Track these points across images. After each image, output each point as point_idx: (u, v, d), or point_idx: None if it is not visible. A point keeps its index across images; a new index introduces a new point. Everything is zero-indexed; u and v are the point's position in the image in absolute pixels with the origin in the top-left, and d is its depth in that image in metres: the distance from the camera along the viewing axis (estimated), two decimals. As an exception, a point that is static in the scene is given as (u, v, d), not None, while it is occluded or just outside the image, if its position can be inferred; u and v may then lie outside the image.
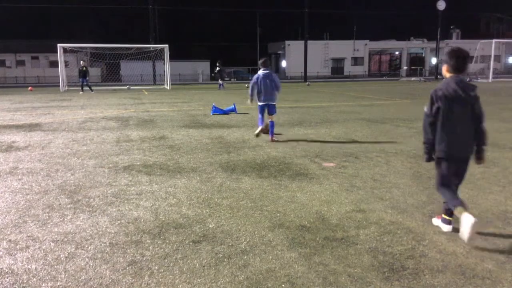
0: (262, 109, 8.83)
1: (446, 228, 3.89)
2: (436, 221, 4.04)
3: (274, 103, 8.79)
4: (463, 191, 5.06)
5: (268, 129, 8.81)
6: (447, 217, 3.90)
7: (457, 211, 3.61)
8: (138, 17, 52.73)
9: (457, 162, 3.77)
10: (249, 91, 8.74)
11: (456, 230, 3.78)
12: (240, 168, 6.30)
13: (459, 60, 3.72)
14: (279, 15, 67.27)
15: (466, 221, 3.47)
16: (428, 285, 2.98)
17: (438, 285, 2.98)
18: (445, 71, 3.81)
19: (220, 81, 30.06)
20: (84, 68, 26.23)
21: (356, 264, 3.27)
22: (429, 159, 3.88)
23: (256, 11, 57.11)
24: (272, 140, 8.67)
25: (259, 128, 8.81)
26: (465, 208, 3.60)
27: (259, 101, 8.74)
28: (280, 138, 8.86)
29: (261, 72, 8.67)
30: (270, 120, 8.76)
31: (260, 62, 8.94)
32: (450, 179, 3.80)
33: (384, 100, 18.56)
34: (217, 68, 30.25)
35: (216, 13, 66.41)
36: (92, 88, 26.50)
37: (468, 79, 37.83)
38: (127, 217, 4.32)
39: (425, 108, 3.80)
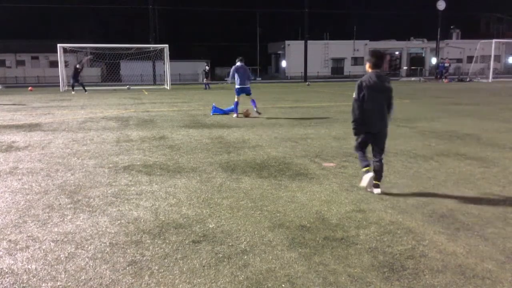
0: (239, 91, 12.63)
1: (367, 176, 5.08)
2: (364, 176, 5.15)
3: (248, 86, 12.72)
4: (462, 191, 5.08)
5: (248, 113, 12.56)
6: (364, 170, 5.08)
7: (364, 169, 5.05)
8: (138, 17, 52.68)
9: (374, 135, 4.97)
10: (231, 75, 12.82)
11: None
12: (240, 168, 6.30)
13: (378, 59, 4.94)
14: (279, 15, 67.19)
15: (366, 176, 4.97)
16: (428, 285, 2.98)
17: (438, 285, 2.98)
18: (367, 67, 5.00)
19: (205, 81, 31.68)
20: (79, 69, 26.81)
21: (356, 264, 3.27)
22: (358, 133, 5.02)
23: (256, 11, 57.13)
24: (257, 112, 12.78)
25: (241, 112, 12.76)
26: (369, 167, 5.00)
27: (237, 84, 12.63)
28: (279, 135, 8.88)
29: (238, 64, 12.60)
30: (251, 99, 12.95)
31: (237, 59, 12.70)
32: (365, 145, 5.06)
33: (384, 100, 18.54)
34: (207, 68, 31.69)
35: (216, 13, 66.37)
36: (74, 88, 26.87)
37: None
38: (127, 217, 4.32)
39: (354, 95, 4.93)
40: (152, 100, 20.52)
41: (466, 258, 3.37)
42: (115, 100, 20.41)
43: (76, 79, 26.45)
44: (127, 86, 33.48)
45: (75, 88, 26.64)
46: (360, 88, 4.87)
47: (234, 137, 9.11)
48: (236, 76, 12.58)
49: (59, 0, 47.99)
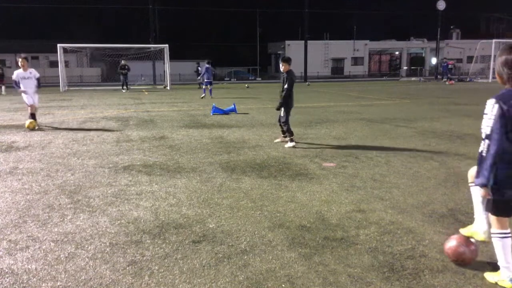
0: (207, 84, 21.00)
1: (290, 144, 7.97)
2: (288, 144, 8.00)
3: (211, 80, 21.26)
4: (462, 191, 5.08)
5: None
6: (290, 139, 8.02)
7: (292, 137, 8.05)
8: (138, 17, 52.72)
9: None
10: (202, 74, 21.64)
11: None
12: (240, 168, 6.30)
13: (289, 62, 8.19)
14: (279, 15, 67.21)
15: (289, 144, 7.91)
16: (428, 285, 2.98)
17: (438, 285, 2.98)
18: (285, 68, 8.12)
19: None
20: (126, 66, 27.71)
21: (356, 264, 3.27)
22: (279, 109, 8.18)
23: (256, 11, 57.11)
24: (202, 96, 20.36)
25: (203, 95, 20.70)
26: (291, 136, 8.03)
27: (205, 79, 21.01)
28: (280, 135, 8.88)
29: (206, 65, 20.96)
30: (210, 88, 21.18)
31: (206, 61, 21.43)
32: (288, 118, 8.09)
33: (384, 100, 18.56)
34: (199, 68, 31.88)
35: (216, 13, 66.35)
36: (128, 86, 28.30)
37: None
38: (127, 217, 4.32)
39: (288, 86, 7.96)
40: (152, 100, 20.52)
41: (466, 258, 3.36)
42: (115, 100, 20.41)
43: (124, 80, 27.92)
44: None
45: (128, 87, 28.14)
46: (292, 81, 8.05)
47: (234, 137, 9.11)
48: (206, 74, 20.92)
49: (59, 0, 48.00)
